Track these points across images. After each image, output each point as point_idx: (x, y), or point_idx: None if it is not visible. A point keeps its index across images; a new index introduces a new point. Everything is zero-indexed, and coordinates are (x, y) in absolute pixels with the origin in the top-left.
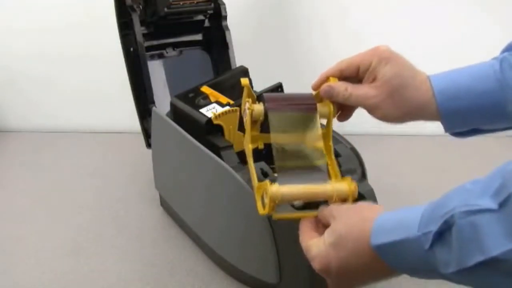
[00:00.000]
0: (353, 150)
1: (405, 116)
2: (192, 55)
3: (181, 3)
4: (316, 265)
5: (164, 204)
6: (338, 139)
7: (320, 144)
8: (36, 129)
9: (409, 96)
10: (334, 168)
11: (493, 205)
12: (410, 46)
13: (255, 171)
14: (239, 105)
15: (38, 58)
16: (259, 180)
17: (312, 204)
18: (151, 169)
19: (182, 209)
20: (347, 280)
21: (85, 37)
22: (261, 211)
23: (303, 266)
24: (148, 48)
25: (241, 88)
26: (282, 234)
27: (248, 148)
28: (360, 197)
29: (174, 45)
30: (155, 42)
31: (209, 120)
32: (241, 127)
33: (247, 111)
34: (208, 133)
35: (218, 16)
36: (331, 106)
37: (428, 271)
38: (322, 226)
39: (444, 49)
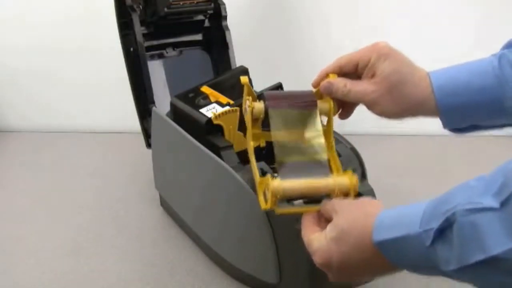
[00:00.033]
0: (353, 150)
1: (404, 112)
2: (192, 55)
3: (181, 3)
4: (317, 259)
5: (164, 204)
6: (338, 139)
7: (321, 140)
8: (36, 129)
9: (408, 92)
10: (335, 162)
11: (495, 204)
12: (411, 46)
13: (257, 167)
14: (239, 105)
15: (38, 58)
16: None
17: (314, 199)
18: (151, 169)
19: (182, 209)
20: (348, 274)
21: (85, 37)
22: (263, 206)
23: (303, 265)
24: (148, 48)
25: (241, 88)
26: (282, 234)
27: (250, 145)
28: (360, 196)
29: (174, 45)
30: (155, 42)
31: (209, 120)
32: (241, 127)
33: (248, 109)
34: (208, 133)
35: (218, 16)
36: (331, 103)
37: (429, 268)
38: (324, 220)
39: (444, 49)
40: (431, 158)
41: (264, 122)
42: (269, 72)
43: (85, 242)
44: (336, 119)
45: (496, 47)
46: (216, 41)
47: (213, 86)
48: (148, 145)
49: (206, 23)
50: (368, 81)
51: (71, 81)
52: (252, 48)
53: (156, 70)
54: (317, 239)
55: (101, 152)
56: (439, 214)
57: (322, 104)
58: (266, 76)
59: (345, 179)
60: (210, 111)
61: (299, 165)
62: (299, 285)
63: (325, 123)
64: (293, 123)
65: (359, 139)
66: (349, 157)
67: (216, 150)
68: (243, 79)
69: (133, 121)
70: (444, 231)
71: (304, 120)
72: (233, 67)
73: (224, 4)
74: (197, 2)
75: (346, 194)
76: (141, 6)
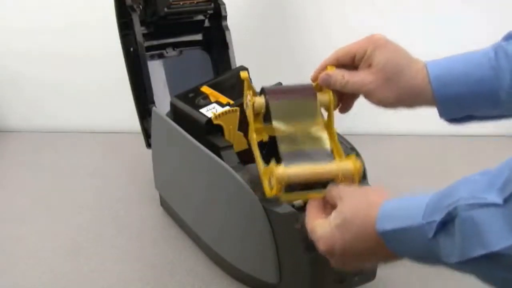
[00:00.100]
0: (353, 150)
1: (401, 101)
2: (192, 55)
3: (181, 3)
4: (320, 246)
5: (164, 204)
6: (338, 139)
7: (323, 131)
8: (36, 129)
9: (405, 81)
10: (338, 151)
11: (498, 199)
12: (411, 46)
13: (260, 158)
14: (239, 105)
15: (38, 58)
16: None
17: (319, 186)
18: (151, 169)
19: (182, 209)
20: (350, 261)
21: (85, 37)
22: (268, 193)
23: (303, 265)
24: (148, 48)
25: (241, 88)
26: (282, 234)
27: (253, 138)
28: None
29: (174, 45)
30: (155, 42)
31: (209, 120)
32: (241, 127)
33: (249, 104)
34: (208, 133)
35: (218, 16)
36: (331, 94)
37: (431, 259)
38: (330, 207)
39: (445, 48)
40: (431, 158)
41: (266, 117)
42: (269, 72)
43: (85, 242)
44: (336, 119)
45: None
46: (216, 41)
47: (213, 86)
48: (148, 145)
49: (206, 23)
50: (365, 72)
51: (71, 81)
52: (252, 48)
53: (156, 70)
54: (320, 226)
55: (101, 152)
56: (442, 207)
57: (322, 96)
58: (266, 76)
59: (349, 164)
60: (210, 111)
61: (302, 153)
62: (299, 285)
63: (325, 116)
64: (294, 115)
65: (359, 139)
66: None
67: (216, 150)
68: (243, 74)
69: (133, 121)
70: (446, 224)
71: (305, 112)
72: (233, 67)
73: (224, 4)
74: (197, 2)
75: (350, 179)
76: (141, 6)
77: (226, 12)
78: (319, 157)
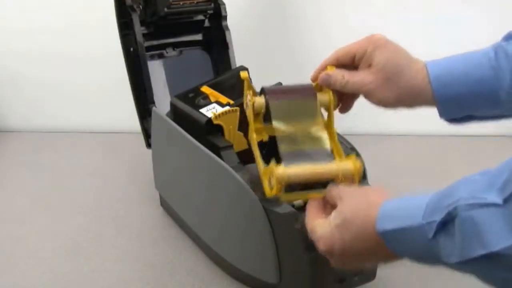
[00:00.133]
0: (353, 150)
1: (400, 101)
2: (192, 55)
3: (181, 3)
4: (320, 246)
5: (164, 204)
6: (338, 139)
7: (323, 130)
8: (36, 129)
9: (405, 81)
10: (338, 150)
11: (498, 200)
12: (411, 45)
13: (260, 158)
14: (239, 105)
15: (38, 58)
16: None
17: (319, 186)
18: (151, 169)
19: (182, 209)
20: (350, 261)
21: (85, 37)
22: (268, 193)
23: (303, 265)
24: (148, 48)
25: (241, 88)
26: (282, 234)
27: (253, 137)
28: None
29: (174, 45)
30: (155, 42)
31: (209, 120)
32: (241, 127)
33: (249, 103)
34: (208, 133)
35: (218, 16)
36: (331, 94)
37: (431, 259)
38: (330, 207)
39: (445, 48)
40: (431, 158)
41: (266, 117)
42: (269, 72)
43: (85, 242)
44: (336, 119)
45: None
46: (216, 41)
47: (213, 86)
48: (148, 145)
49: (206, 23)
50: (365, 72)
51: (71, 81)
52: (252, 48)
53: (156, 70)
54: (320, 226)
55: (101, 152)
56: (442, 207)
57: (322, 96)
58: (266, 76)
59: (349, 164)
60: (210, 111)
61: (302, 153)
62: (299, 285)
63: (325, 116)
64: (294, 115)
65: (359, 139)
66: None
67: (216, 150)
68: (243, 74)
69: (133, 121)
70: (446, 224)
71: (305, 112)
72: (233, 67)
73: (224, 4)
74: (197, 2)
75: (350, 179)
76: (141, 6)
77: (226, 12)
78: (319, 157)
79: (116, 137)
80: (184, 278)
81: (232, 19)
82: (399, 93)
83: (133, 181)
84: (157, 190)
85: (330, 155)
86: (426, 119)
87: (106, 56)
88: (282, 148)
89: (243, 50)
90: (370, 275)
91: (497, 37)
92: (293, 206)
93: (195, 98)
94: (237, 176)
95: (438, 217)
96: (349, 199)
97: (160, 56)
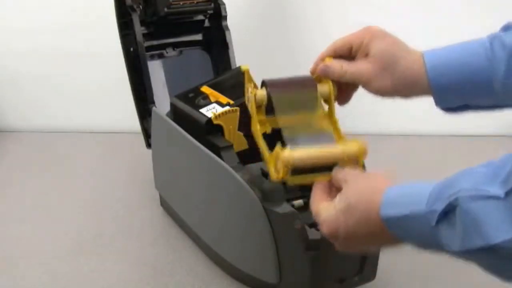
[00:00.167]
0: None
1: (398, 91)
2: (192, 55)
3: (181, 3)
4: (324, 229)
5: (164, 204)
6: None
7: (325, 120)
8: (36, 129)
9: (402, 70)
10: (341, 137)
11: (500, 192)
12: (412, 45)
13: (264, 146)
14: (239, 105)
15: (38, 58)
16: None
17: (324, 169)
18: (151, 169)
19: (182, 209)
20: (354, 245)
21: (85, 37)
22: (275, 176)
23: (303, 266)
24: (148, 48)
25: (241, 88)
26: (282, 234)
27: (256, 129)
28: None
29: (174, 45)
30: (155, 42)
31: (209, 120)
32: (241, 127)
33: (251, 96)
34: (208, 133)
35: (218, 16)
36: (331, 84)
37: (433, 246)
38: (335, 190)
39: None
40: (431, 158)
41: (267, 109)
42: (269, 72)
43: (85, 242)
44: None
45: None
46: (216, 41)
47: (213, 86)
48: (148, 145)
49: (206, 23)
50: (362, 61)
51: (71, 81)
52: (252, 48)
53: (156, 70)
54: (325, 209)
55: (101, 152)
56: (444, 197)
57: (322, 87)
58: (266, 76)
59: (353, 146)
60: (210, 111)
61: (306, 138)
62: (299, 285)
63: (326, 108)
64: (296, 106)
65: (359, 139)
66: None
67: (216, 150)
68: (244, 66)
69: (133, 121)
70: (448, 214)
71: (307, 102)
72: (233, 67)
73: (224, 4)
74: (197, 2)
75: (355, 162)
76: (141, 6)
77: (226, 12)
78: (323, 141)
79: (116, 137)
80: (184, 278)
81: (232, 19)
82: (396, 82)
83: (133, 181)
84: (157, 190)
85: (334, 140)
86: (426, 119)
87: (106, 56)
88: (286, 133)
89: (243, 50)
90: (370, 275)
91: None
92: (293, 206)
93: (195, 98)
94: (237, 176)
95: (440, 206)
96: (354, 183)
97: (160, 56)
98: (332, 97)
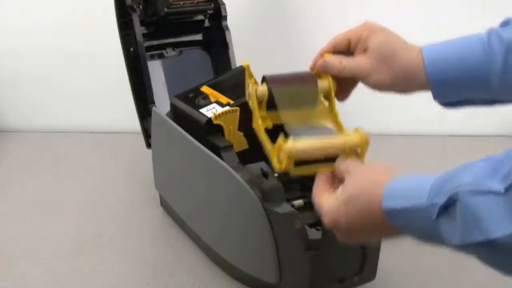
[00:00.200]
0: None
1: (396, 85)
2: (192, 55)
3: (181, 3)
4: (326, 220)
5: (164, 204)
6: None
7: (326, 114)
8: (36, 129)
9: (400, 64)
10: (343, 130)
11: (500, 187)
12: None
13: (267, 139)
14: (239, 105)
15: (38, 58)
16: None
17: (327, 160)
18: (151, 169)
19: (182, 209)
20: (355, 236)
21: (85, 37)
22: (277, 167)
23: (303, 266)
24: (148, 48)
25: (241, 88)
26: (282, 234)
27: (258, 124)
28: None
29: (174, 45)
30: (155, 42)
31: (209, 120)
32: (241, 127)
33: (252, 91)
34: (208, 133)
35: (218, 16)
36: (330, 79)
37: (434, 239)
38: (338, 181)
39: None
40: (431, 158)
41: (268, 104)
42: (269, 72)
43: (85, 242)
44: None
45: None
46: (216, 41)
47: (213, 86)
48: (148, 145)
49: (206, 23)
50: (361, 56)
51: (71, 81)
52: (252, 48)
53: (156, 70)
54: (327, 200)
55: (101, 152)
56: (445, 191)
57: (322, 83)
58: None
59: (355, 136)
60: (210, 111)
61: (308, 130)
62: (299, 285)
63: (326, 104)
64: (297, 101)
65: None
66: None
67: (216, 150)
68: (245, 62)
69: (133, 121)
70: (448, 208)
71: (307, 97)
72: (233, 67)
73: (224, 4)
74: (197, 2)
75: (357, 152)
76: (141, 6)
77: (226, 12)
78: (325, 132)
79: (116, 137)
80: (184, 278)
81: (232, 19)
82: (395, 75)
83: (133, 181)
84: (157, 190)
85: (335, 132)
86: (426, 119)
87: (106, 56)
88: (289, 126)
89: (243, 50)
90: (370, 275)
91: None
92: (293, 206)
93: (195, 98)
94: (237, 176)
95: (441, 200)
96: (356, 175)
97: (160, 56)
98: (332, 91)
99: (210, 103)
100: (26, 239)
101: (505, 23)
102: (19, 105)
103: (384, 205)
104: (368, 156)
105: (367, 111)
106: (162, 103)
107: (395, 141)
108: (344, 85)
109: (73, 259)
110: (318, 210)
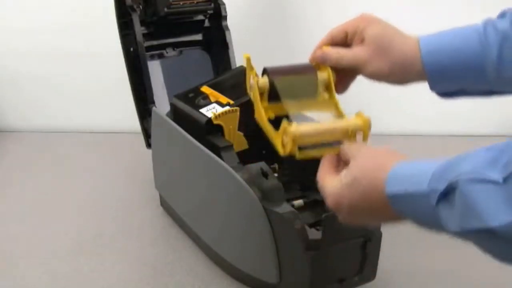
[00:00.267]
0: None
1: (393, 74)
2: (192, 55)
3: (181, 3)
4: (329, 202)
5: (164, 204)
6: None
7: (327, 105)
8: (36, 129)
9: (397, 53)
10: (344, 116)
11: (498, 177)
12: None
13: (270, 126)
14: (239, 105)
15: (38, 58)
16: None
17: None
18: (151, 169)
19: (182, 209)
20: (357, 219)
21: (85, 37)
22: (282, 151)
23: (303, 266)
24: (148, 48)
25: (241, 88)
26: (282, 234)
27: (262, 115)
28: None
29: (174, 45)
30: (155, 42)
31: (209, 120)
32: (241, 127)
33: (253, 82)
34: (208, 133)
35: (218, 16)
36: (330, 70)
37: (434, 225)
38: (343, 164)
39: None
40: (431, 158)
41: (270, 96)
42: None
43: (85, 242)
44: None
45: None
46: (216, 41)
47: (213, 86)
48: (148, 145)
49: (206, 23)
50: (358, 46)
51: (71, 82)
52: (252, 48)
53: (156, 70)
54: (331, 183)
55: (101, 152)
56: (445, 178)
57: (321, 75)
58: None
59: (358, 119)
60: (210, 111)
61: (312, 115)
62: (299, 285)
63: (326, 96)
64: (298, 91)
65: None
66: None
67: (216, 150)
68: (246, 55)
69: (133, 121)
70: (447, 194)
71: (308, 87)
72: (233, 67)
73: (224, 4)
74: (197, 2)
75: (360, 135)
76: (141, 6)
77: (226, 12)
78: (327, 117)
79: (116, 137)
80: (184, 278)
81: (232, 19)
82: (392, 65)
83: (133, 181)
84: (157, 190)
85: (337, 117)
86: (426, 119)
87: (106, 56)
88: (292, 112)
89: (243, 50)
90: (370, 275)
91: None
92: (293, 206)
93: (195, 98)
94: (237, 176)
95: (441, 187)
96: (361, 158)
97: (160, 56)
98: (332, 81)
99: (210, 103)
100: (26, 239)
101: (502, 15)
102: (19, 105)
103: (387, 190)
104: None
105: (367, 111)
106: (162, 103)
107: (395, 141)
108: (343, 76)
109: (73, 259)
110: (321, 192)
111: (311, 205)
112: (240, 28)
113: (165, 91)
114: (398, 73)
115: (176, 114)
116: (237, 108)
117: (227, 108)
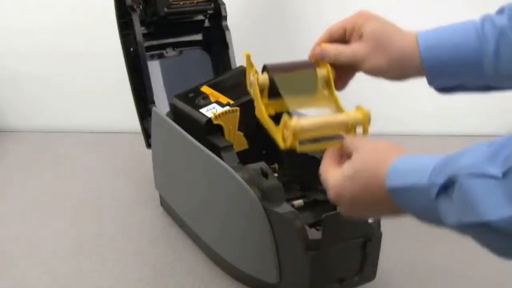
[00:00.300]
0: None
1: (391, 70)
2: (192, 55)
3: (181, 3)
4: (331, 194)
5: (164, 204)
6: None
7: (327, 101)
8: (36, 129)
9: (395, 48)
10: (344, 111)
11: (497, 172)
12: None
13: (271, 121)
14: (239, 105)
15: (38, 58)
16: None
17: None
18: (151, 169)
19: (182, 209)
20: (357, 211)
21: (85, 37)
22: (282, 145)
23: (303, 266)
24: (148, 48)
25: (241, 88)
26: (282, 234)
27: (262, 111)
28: None
29: (174, 45)
30: (155, 42)
31: (209, 120)
32: (241, 127)
33: (253, 79)
34: (208, 133)
35: (218, 16)
36: (328, 66)
37: (433, 219)
38: (345, 157)
39: None
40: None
41: (270, 92)
42: None
43: (85, 242)
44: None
45: None
46: (216, 41)
47: (213, 86)
48: (148, 145)
49: (206, 23)
50: (356, 42)
51: (71, 81)
52: (252, 48)
53: (156, 70)
54: (333, 175)
55: (101, 152)
56: (445, 172)
57: (321, 71)
58: None
59: (357, 113)
60: (210, 111)
61: (312, 110)
62: (299, 285)
63: (325, 93)
64: (298, 87)
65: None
66: None
67: (216, 150)
68: (246, 52)
69: (133, 121)
70: (447, 188)
71: (308, 84)
72: (233, 67)
73: (224, 4)
74: (197, 2)
75: (360, 128)
76: (141, 6)
77: (226, 12)
78: (328, 113)
79: (116, 137)
80: (184, 278)
81: (232, 19)
82: (390, 61)
83: (133, 181)
84: (157, 190)
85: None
86: (426, 119)
87: (106, 56)
88: (292, 108)
89: (243, 50)
90: (370, 275)
91: None
92: (293, 206)
93: (195, 98)
94: (237, 176)
95: (440, 180)
96: (363, 151)
97: (160, 56)
98: (331, 77)
99: (210, 103)
100: (26, 239)
101: (500, 11)
102: (19, 105)
103: (387, 183)
104: None
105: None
106: (162, 103)
107: (395, 141)
108: (342, 73)
109: (73, 259)
110: (324, 184)
111: (311, 205)
112: (240, 28)
113: (165, 91)
114: (397, 68)
115: (176, 114)
116: (237, 108)
117: (227, 108)
